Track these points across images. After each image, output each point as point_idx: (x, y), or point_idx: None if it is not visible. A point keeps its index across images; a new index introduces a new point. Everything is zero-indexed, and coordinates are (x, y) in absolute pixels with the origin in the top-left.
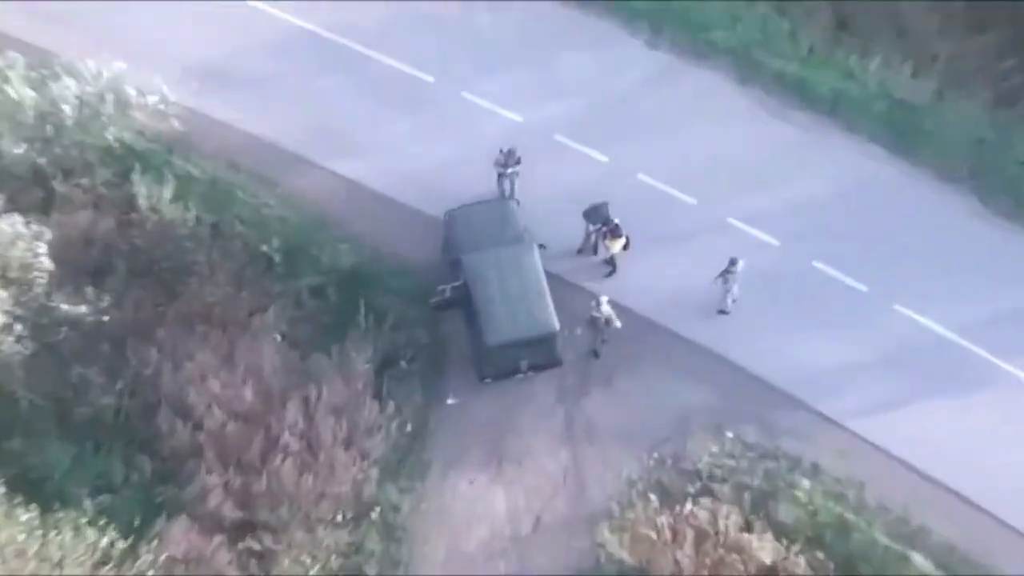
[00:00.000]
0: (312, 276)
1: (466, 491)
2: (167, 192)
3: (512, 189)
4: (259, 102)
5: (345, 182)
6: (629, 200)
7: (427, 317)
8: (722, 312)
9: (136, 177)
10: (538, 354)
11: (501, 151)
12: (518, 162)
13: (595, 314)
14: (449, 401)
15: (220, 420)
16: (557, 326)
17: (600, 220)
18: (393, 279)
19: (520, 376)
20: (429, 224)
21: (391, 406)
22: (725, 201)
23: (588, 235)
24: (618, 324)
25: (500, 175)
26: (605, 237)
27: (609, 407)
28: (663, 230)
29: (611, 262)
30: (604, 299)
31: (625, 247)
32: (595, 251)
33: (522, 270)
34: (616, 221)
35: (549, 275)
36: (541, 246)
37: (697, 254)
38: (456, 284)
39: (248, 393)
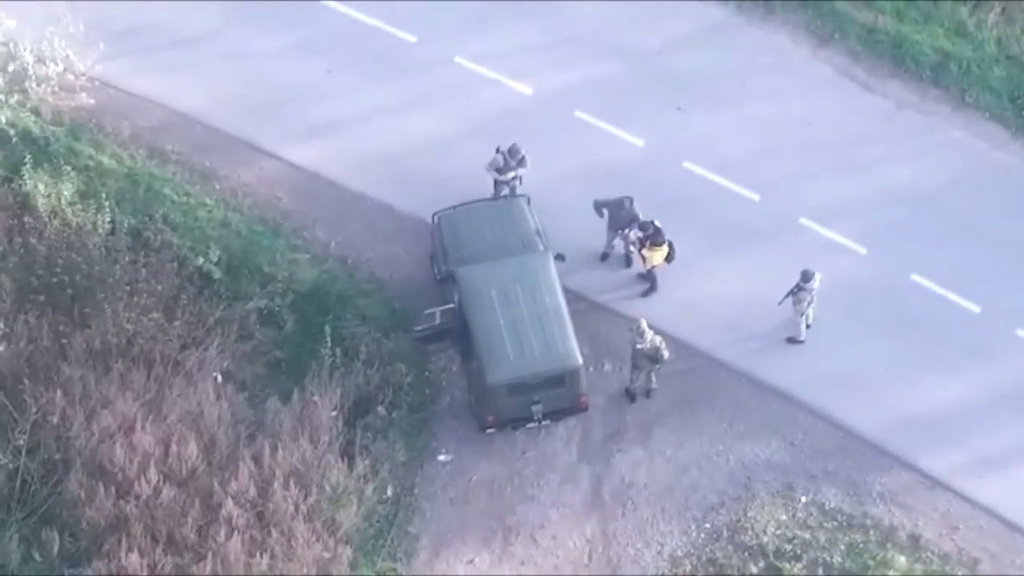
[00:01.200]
0: (262, 297)
1: (464, 575)
2: (70, 189)
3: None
4: (190, 69)
5: (302, 174)
6: (672, 196)
7: (411, 350)
8: (793, 341)
9: (30, 170)
10: (556, 397)
11: (499, 150)
12: (522, 163)
13: (638, 345)
14: (441, 458)
15: (150, 485)
16: (580, 360)
17: (624, 222)
18: (366, 301)
19: (533, 426)
20: (413, 228)
21: (365, 465)
22: (796, 196)
23: (613, 238)
24: (666, 355)
25: (498, 182)
26: (642, 246)
27: (648, 465)
28: (716, 235)
29: (650, 277)
30: (643, 324)
31: (668, 258)
32: (628, 262)
33: (535, 287)
34: (655, 224)
35: (569, 293)
36: (559, 256)
37: (761, 266)
38: (449, 307)
39: (182, 450)
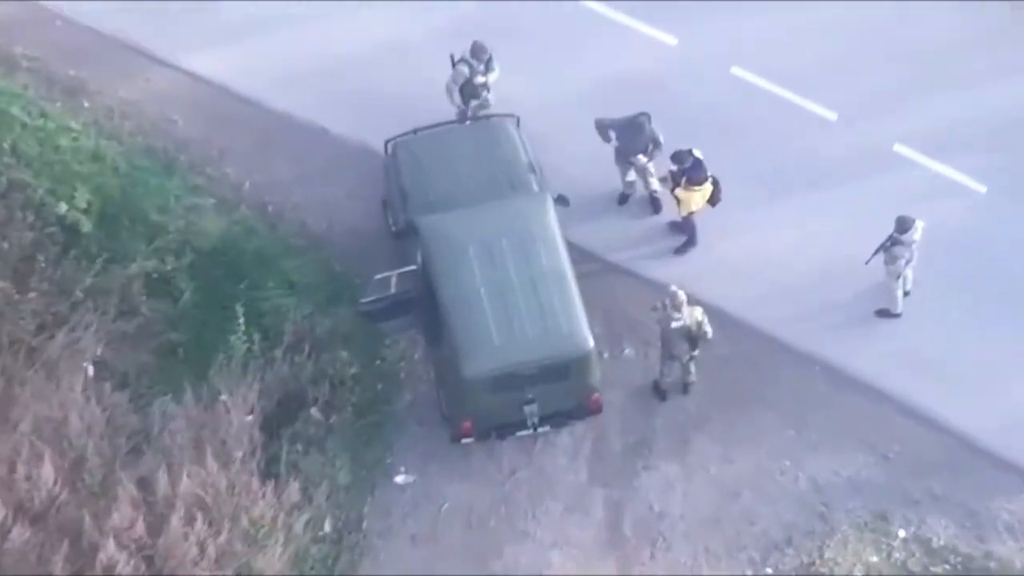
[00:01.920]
0: (149, 257)
1: None
2: None
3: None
4: None
5: (206, 88)
6: (716, 112)
7: (358, 331)
8: (886, 314)
9: None
10: (558, 394)
11: (459, 61)
12: (490, 66)
13: (673, 322)
14: (399, 479)
15: None
16: (591, 343)
17: (639, 150)
18: (294, 263)
19: (526, 434)
20: (359, 162)
21: (294, 489)
22: (889, 117)
23: (627, 171)
24: (710, 334)
25: (466, 97)
26: (675, 184)
27: (685, 488)
28: (777, 168)
29: (686, 227)
30: (680, 293)
31: (711, 200)
32: (656, 207)
33: (528, 243)
34: (693, 154)
35: (575, 250)
36: (561, 199)
37: (838, 211)
38: (408, 270)
39: (37, 472)
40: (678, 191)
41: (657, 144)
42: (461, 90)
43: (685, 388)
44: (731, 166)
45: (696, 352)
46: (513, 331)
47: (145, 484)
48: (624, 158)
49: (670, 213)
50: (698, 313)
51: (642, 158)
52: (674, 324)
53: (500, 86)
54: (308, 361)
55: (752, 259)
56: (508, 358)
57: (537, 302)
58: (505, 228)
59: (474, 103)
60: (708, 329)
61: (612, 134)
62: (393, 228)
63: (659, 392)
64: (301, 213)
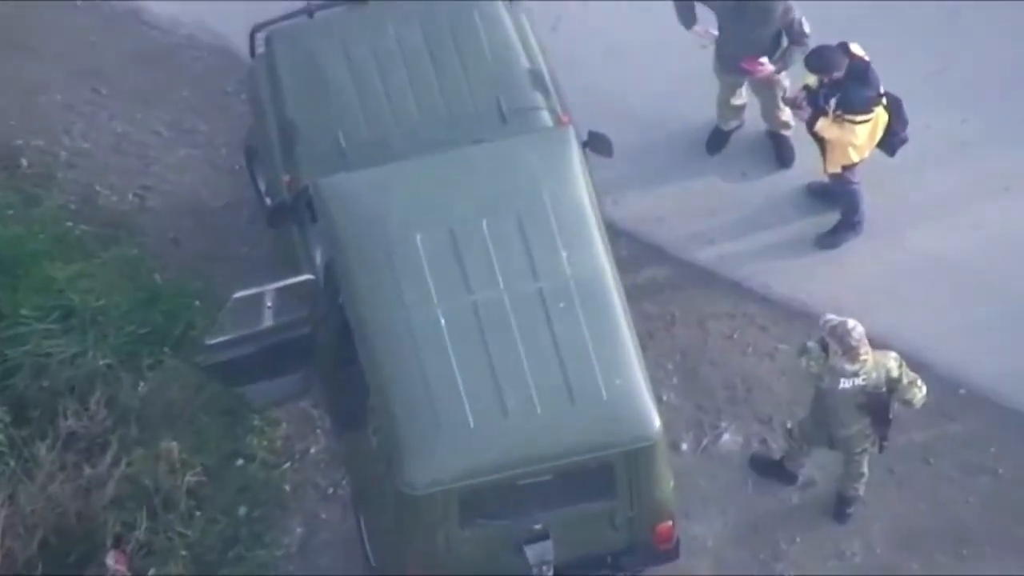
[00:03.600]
0: None
1: None
2: None
3: None
4: None
5: None
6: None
7: (200, 400)
8: None
9: None
10: (593, 524)
11: None
12: None
13: (843, 379)
14: None
15: None
16: (657, 424)
17: (762, 41)
18: (75, 270)
19: None
20: (207, 73)
21: None
22: None
23: (735, 87)
24: (918, 396)
25: None
26: (817, 111)
27: None
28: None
29: (842, 194)
30: (854, 328)
31: (887, 143)
32: (782, 156)
33: (531, 230)
34: (855, 53)
35: (626, 241)
36: (595, 142)
37: None
38: (296, 283)
39: None
40: (822, 125)
41: (797, 36)
42: None
43: (840, 507)
44: (913, 83)
45: (884, 437)
46: (503, 402)
47: None
48: (728, 63)
49: (807, 167)
50: (891, 363)
51: (764, 64)
52: (843, 384)
53: None
54: (103, 464)
55: (960, 262)
56: (493, 456)
57: (551, 343)
58: (488, 199)
59: None
60: (917, 392)
61: (696, 26)
62: (269, 201)
63: (779, 472)
64: (91, 173)
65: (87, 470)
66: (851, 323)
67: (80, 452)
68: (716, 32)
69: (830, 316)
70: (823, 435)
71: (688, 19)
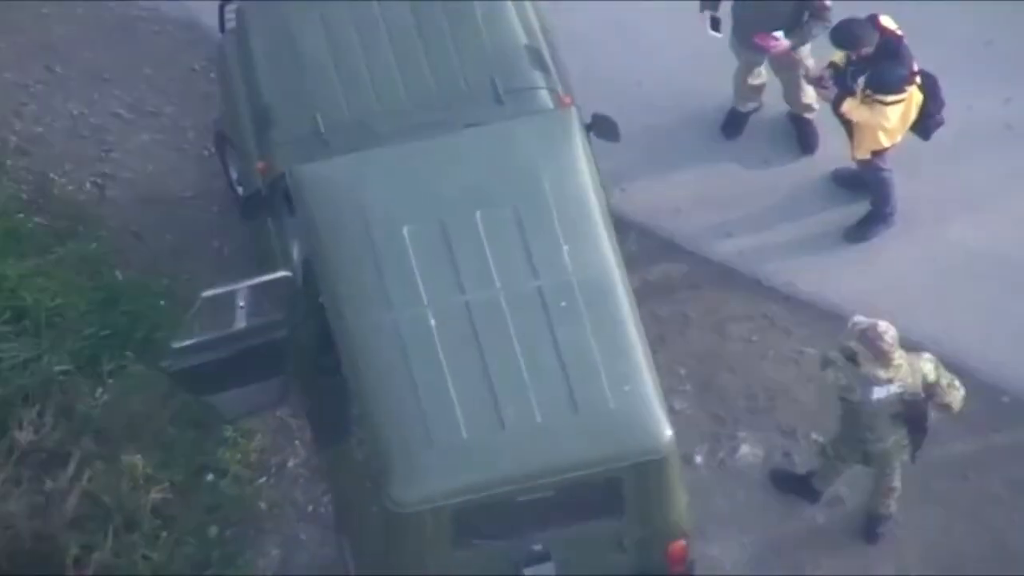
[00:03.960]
0: None
1: None
2: None
3: None
4: None
5: None
6: None
7: (168, 410)
8: None
9: None
10: (599, 543)
11: None
12: None
13: (876, 387)
14: None
15: None
16: (669, 434)
17: (779, 16)
18: (28, 266)
19: None
20: (175, 50)
21: None
22: None
23: (753, 64)
24: (957, 400)
25: None
26: (844, 91)
27: None
28: None
29: (873, 182)
30: (886, 331)
31: (922, 126)
32: (805, 141)
33: (530, 222)
34: (886, 26)
35: (635, 236)
36: (600, 125)
37: None
38: (272, 279)
39: None
40: (850, 106)
41: (818, 10)
42: None
43: (871, 526)
44: (955, 61)
45: (918, 446)
46: (499, 411)
47: None
48: (745, 38)
49: (833, 153)
50: (927, 365)
51: (779, 39)
52: (877, 394)
53: None
54: (62, 480)
55: (1002, 257)
56: (489, 470)
57: (552, 347)
58: (482, 188)
59: None
60: (956, 394)
61: (711, 14)
62: (240, 191)
63: (802, 488)
64: (45, 160)
65: (47, 484)
66: (883, 325)
67: (34, 467)
68: (719, 34)
69: (859, 318)
70: (857, 452)
71: (714, 23)
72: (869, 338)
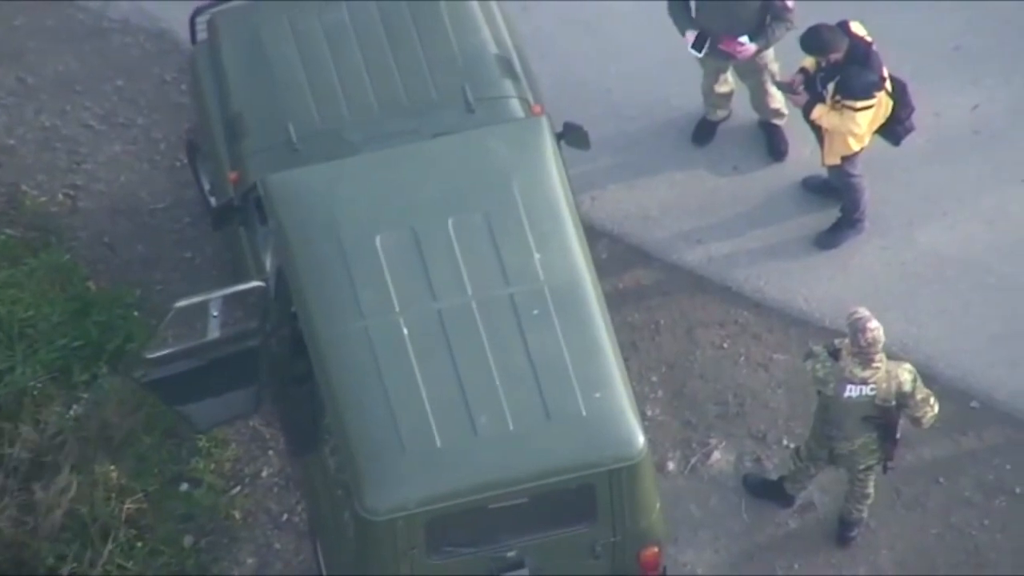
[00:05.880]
0: None
1: None
2: None
3: None
4: None
5: None
6: None
7: (140, 421)
8: None
9: None
10: (573, 550)
11: None
12: None
13: (851, 386)
14: None
15: None
16: (642, 441)
17: (744, 20)
18: None
19: None
20: (147, 62)
21: None
22: None
23: (718, 73)
24: (928, 415)
25: None
26: (814, 96)
27: None
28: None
29: (844, 189)
30: (873, 328)
31: (893, 130)
32: (775, 148)
33: (500, 230)
34: (857, 32)
35: (605, 243)
36: (570, 134)
37: None
38: (244, 290)
39: None
40: (820, 112)
41: (779, 11)
42: None
43: (843, 531)
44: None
45: (890, 457)
46: (472, 419)
47: None
48: (708, 45)
49: (804, 160)
50: (905, 375)
51: (745, 44)
52: (849, 391)
53: None
54: (39, 491)
55: (972, 262)
56: (461, 478)
57: (524, 354)
58: (453, 196)
59: None
60: (929, 411)
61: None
62: (213, 201)
63: (775, 493)
64: (16, 171)
65: (26, 496)
66: (874, 323)
67: (15, 477)
68: (700, 53)
69: (862, 310)
70: (825, 449)
71: (684, 21)
72: (856, 328)
